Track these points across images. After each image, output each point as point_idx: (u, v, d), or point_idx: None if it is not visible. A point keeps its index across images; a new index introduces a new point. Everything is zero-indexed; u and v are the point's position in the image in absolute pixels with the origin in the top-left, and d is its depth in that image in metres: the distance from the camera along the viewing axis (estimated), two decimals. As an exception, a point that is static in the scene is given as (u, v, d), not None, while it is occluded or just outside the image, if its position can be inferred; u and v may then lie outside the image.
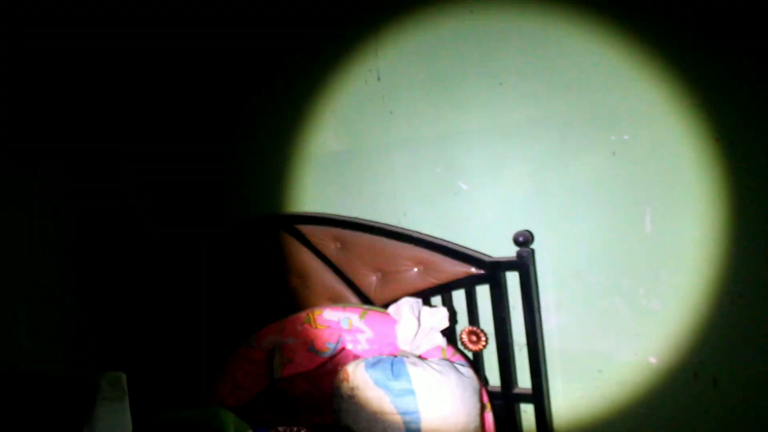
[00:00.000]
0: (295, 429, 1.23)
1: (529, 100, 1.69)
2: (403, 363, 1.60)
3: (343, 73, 1.97)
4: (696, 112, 1.49)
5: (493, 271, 1.74)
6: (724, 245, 1.52)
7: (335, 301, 1.95)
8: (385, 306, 1.80)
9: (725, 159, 1.47)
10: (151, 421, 1.64)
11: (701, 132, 1.49)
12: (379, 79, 1.91)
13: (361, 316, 1.76)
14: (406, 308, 1.69)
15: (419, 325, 1.67)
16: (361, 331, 1.74)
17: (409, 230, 1.88)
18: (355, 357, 1.72)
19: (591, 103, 1.61)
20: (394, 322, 1.71)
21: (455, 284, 1.80)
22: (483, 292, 1.79)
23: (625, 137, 1.58)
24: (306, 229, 2.03)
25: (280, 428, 1.22)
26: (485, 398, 1.73)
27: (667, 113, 1.53)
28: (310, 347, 1.78)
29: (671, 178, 1.55)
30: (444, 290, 1.82)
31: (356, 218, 1.97)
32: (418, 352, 1.67)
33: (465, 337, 1.81)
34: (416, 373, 1.57)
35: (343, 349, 1.74)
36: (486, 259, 1.76)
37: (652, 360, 1.66)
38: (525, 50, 1.67)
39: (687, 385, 1.63)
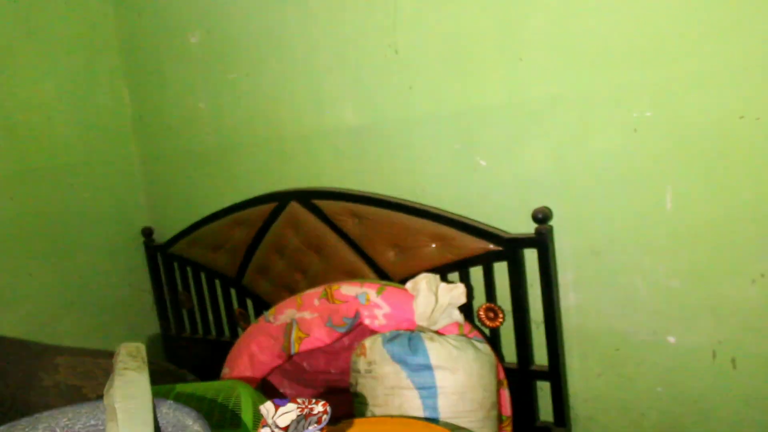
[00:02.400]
0: (314, 401, 1.23)
1: (549, 76, 1.67)
2: (421, 338, 1.60)
3: (362, 47, 1.96)
4: (720, 88, 1.46)
5: (511, 248, 1.74)
6: (745, 224, 1.50)
7: (352, 276, 1.96)
8: (403, 281, 1.80)
9: (750, 136, 1.45)
10: (169, 392, 1.66)
11: (725, 109, 1.46)
12: (397, 52, 1.89)
13: (379, 292, 1.76)
14: (424, 284, 1.69)
15: (437, 300, 1.67)
16: (379, 307, 1.74)
17: (427, 206, 1.87)
18: (372, 332, 1.73)
19: (613, 79, 1.59)
20: (411, 297, 1.71)
21: (473, 261, 1.80)
22: (501, 269, 1.79)
23: (648, 114, 1.56)
24: (324, 204, 2.04)
25: (299, 399, 1.23)
26: (502, 375, 1.73)
27: (690, 89, 1.50)
28: (327, 322, 1.78)
29: (693, 156, 1.53)
30: (461, 266, 1.82)
31: (374, 193, 1.97)
32: (435, 328, 1.67)
33: (482, 313, 1.82)
34: (433, 348, 1.58)
35: (360, 324, 1.74)
36: (504, 235, 1.75)
37: (671, 339, 1.65)
38: (546, 25, 1.65)
39: (705, 365, 1.62)
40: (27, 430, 1.24)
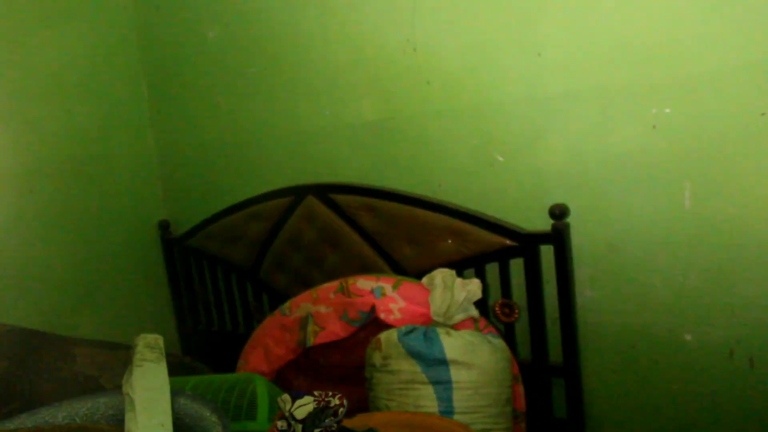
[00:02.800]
0: (331, 393, 1.24)
1: (568, 71, 1.66)
2: (437, 333, 1.60)
3: (380, 42, 1.96)
4: (741, 85, 1.45)
5: (527, 244, 1.73)
6: (765, 222, 1.49)
7: (369, 270, 1.96)
8: (419, 276, 1.80)
9: (770, 134, 1.44)
10: (185, 384, 1.67)
11: (746, 106, 1.45)
12: (415, 50, 1.89)
13: (395, 286, 1.77)
14: (440, 279, 1.69)
15: (453, 296, 1.67)
16: (395, 301, 1.74)
17: (444, 201, 1.87)
18: (388, 326, 1.73)
19: (632, 75, 1.58)
20: (427, 292, 1.71)
21: (489, 256, 1.79)
22: (517, 265, 1.78)
23: (667, 110, 1.55)
24: (340, 199, 2.04)
25: (315, 392, 1.24)
26: (517, 370, 1.73)
27: (710, 86, 1.49)
28: (343, 316, 1.79)
29: (713, 153, 1.52)
30: (478, 262, 1.82)
31: (391, 188, 1.97)
32: (451, 323, 1.67)
33: (498, 309, 1.81)
34: (449, 343, 1.58)
35: (376, 318, 1.75)
36: (521, 231, 1.75)
37: (688, 337, 1.64)
38: (565, 20, 1.65)
39: (722, 364, 1.61)
40: (47, 418, 1.26)
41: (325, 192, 2.08)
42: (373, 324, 1.80)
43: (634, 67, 1.57)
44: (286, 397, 1.28)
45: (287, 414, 1.27)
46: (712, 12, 1.46)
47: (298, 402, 1.26)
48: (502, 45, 1.74)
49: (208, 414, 1.26)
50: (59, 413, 1.30)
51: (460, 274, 1.81)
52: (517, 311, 1.79)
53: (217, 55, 2.37)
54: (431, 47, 1.86)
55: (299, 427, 1.23)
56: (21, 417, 1.29)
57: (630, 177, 1.63)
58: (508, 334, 1.83)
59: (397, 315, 1.73)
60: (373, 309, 1.75)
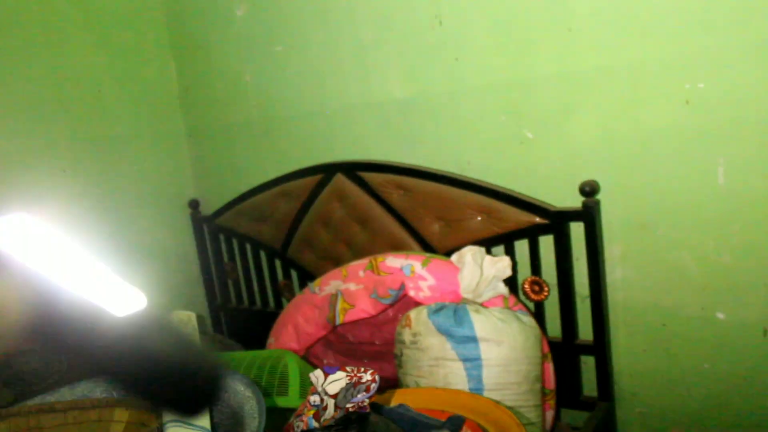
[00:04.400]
0: (363, 369, 1.25)
1: (599, 46, 1.64)
2: (466, 310, 1.61)
3: (407, 18, 1.94)
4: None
5: (557, 221, 1.72)
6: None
7: (397, 248, 1.97)
8: (448, 254, 1.80)
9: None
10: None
11: (783, 80, 1.43)
12: (441, 23, 1.87)
13: (424, 264, 1.77)
14: (469, 257, 1.69)
15: (482, 273, 1.67)
16: (424, 279, 1.75)
17: (472, 179, 1.87)
18: (417, 304, 1.74)
19: (665, 49, 1.55)
20: (456, 270, 1.71)
21: (518, 234, 1.79)
22: (546, 243, 1.78)
23: (701, 85, 1.53)
24: (369, 177, 2.04)
25: (347, 368, 1.25)
26: (546, 348, 1.73)
27: (744, 60, 1.46)
28: (373, 293, 1.80)
29: (747, 128, 1.49)
30: (507, 240, 1.82)
31: (420, 166, 1.97)
32: (480, 301, 1.67)
33: (527, 286, 1.81)
34: (479, 320, 1.58)
35: (406, 295, 1.76)
36: (551, 209, 1.74)
37: (720, 315, 1.63)
38: (597, -6, 1.62)
39: (756, 342, 1.59)
40: (86, 392, 1.29)
41: (353, 170, 2.08)
42: (402, 301, 1.81)
43: (667, 42, 1.55)
44: (319, 372, 1.30)
45: (320, 389, 1.28)
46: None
47: (331, 377, 1.27)
48: (532, 20, 1.72)
49: (242, 389, 1.28)
50: (97, 388, 1.33)
51: (489, 252, 1.81)
52: (546, 289, 1.79)
53: (244, 34, 2.37)
54: (459, 23, 1.85)
55: (332, 402, 1.24)
56: (61, 390, 1.33)
57: (662, 153, 1.61)
58: (537, 312, 1.82)
59: (427, 292, 1.74)
60: (402, 286, 1.76)
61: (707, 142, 1.55)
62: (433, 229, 1.93)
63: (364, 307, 1.81)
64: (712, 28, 1.48)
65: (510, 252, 1.82)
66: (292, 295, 2.36)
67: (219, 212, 2.57)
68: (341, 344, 2.09)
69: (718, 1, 1.46)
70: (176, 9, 2.58)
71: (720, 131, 1.53)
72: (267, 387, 1.60)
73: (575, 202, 1.71)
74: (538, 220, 1.74)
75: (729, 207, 1.55)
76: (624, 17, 1.59)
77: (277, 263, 2.44)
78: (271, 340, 2.05)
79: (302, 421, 1.30)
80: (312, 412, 1.29)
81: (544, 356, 1.71)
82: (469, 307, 1.62)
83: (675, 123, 1.57)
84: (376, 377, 1.24)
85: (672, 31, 1.53)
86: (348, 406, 1.18)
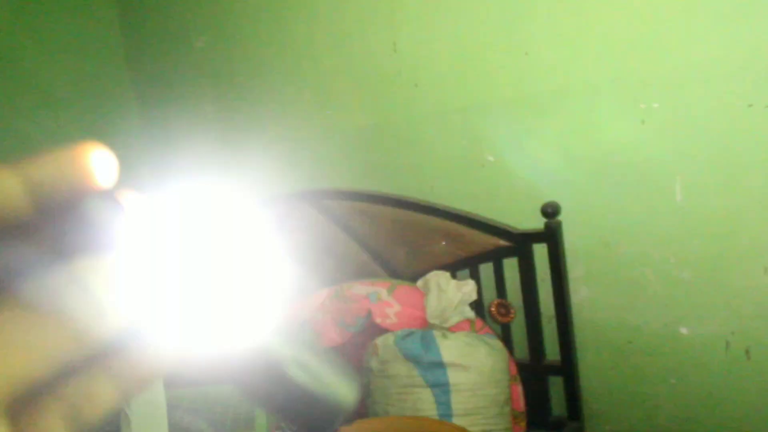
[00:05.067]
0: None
1: (555, 69, 1.67)
2: (433, 336, 1.60)
3: (366, 47, 1.95)
4: (728, 77, 1.45)
5: (521, 244, 1.73)
6: (756, 213, 1.50)
7: (363, 275, 1.96)
8: (414, 280, 1.80)
9: (759, 125, 1.44)
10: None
11: (734, 97, 1.46)
12: (395, 50, 1.89)
13: (390, 290, 1.76)
14: (435, 282, 1.69)
15: (448, 298, 1.67)
16: (390, 305, 1.74)
17: (436, 203, 1.87)
18: (384, 331, 1.73)
19: (619, 71, 1.58)
20: (422, 295, 1.71)
21: (483, 257, 1.79)
22: (511, 265, 1.78)
23: (655, 105, 1.55)
24: (334, 205, 2.03)
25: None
26: (514, 370, 1.73)
27: (697, 79, 1.49)
28: (339, 322, 1.79)
29: (702, 146, 1.52)
30: (472, 263, 1.82)
31: (383, 192, 1.97)
32: (447, 325, 1.67)
33: (494, 309, 1.81)
34: (446, 345, 1.58)
35: (372, 323, 1.75)
36: (514, 231, 1.74)
37: (683, 330, 1.64)
38: (551, 18, 1.65)
39: (719, 356, 1.61)
40: None
41: (317, 198, 2.07)
42: (370, 328, 1.80)
43: (621, 63, 1.57)
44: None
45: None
46: (696, 4, 1.46)
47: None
48: (489, 45, 1.74)
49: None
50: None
51: (454, 276, 1.81)
52: (512, 311, 1.79)
53: (204, 65, 2.36)
54: (415, 49, 1.86)
55: (297, 436, 1.22)
56: None
57: (621, 172, 1.63)
58: (504, 335, 1.82)
59: (394, 319, 1.73)
60: (369, 314, 1.75)
61: (664, 161, 1.57)
62: (399, 256, 1.93)
63: (332, 336, 1.80)
64: (664, 49, 1.51)
65: (475, 275, 1.82)
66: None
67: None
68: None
69: (668, 23, 1.49)
70: (135, 41, 2.57)
71: (676, 149, 1.55)
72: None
73: (538, 223, 1.71)
74: (502, 242, 1.75)
75: (687, 223, 1.58)
76: (579, 40, 1.61)
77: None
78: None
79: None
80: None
81: (512, 378, 1.70)
82: (436, 333, 1.62)
83: (632, 142, 1.60)
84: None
85: (625, 51, 1.56)
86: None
